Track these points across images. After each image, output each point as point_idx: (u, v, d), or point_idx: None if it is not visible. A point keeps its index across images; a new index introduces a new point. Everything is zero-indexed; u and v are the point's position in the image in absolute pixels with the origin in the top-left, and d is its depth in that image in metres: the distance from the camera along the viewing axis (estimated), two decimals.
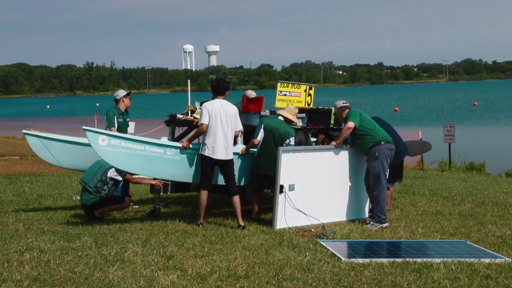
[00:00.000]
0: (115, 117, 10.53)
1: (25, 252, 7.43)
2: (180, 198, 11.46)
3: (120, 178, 9.54)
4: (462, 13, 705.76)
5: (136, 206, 10.82)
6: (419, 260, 7.01)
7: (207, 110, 8.99)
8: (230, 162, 9.04)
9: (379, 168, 9.22)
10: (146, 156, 8.82)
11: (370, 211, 9.60)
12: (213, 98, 10.67)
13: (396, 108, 61.40)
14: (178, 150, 9.04)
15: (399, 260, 7.03)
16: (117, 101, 10.87)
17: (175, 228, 8.90)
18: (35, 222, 9.39)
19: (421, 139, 19.85)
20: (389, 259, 7.05)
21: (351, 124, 9.33)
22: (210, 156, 8.90)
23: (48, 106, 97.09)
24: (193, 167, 9.12)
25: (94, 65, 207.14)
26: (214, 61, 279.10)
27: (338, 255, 7.22)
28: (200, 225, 9.03)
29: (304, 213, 9.13)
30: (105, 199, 9.48)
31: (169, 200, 11.08)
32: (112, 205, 9.61)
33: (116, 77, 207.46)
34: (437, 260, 7.00)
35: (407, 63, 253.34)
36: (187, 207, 10.88)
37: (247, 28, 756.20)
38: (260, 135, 9.25)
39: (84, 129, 8.60)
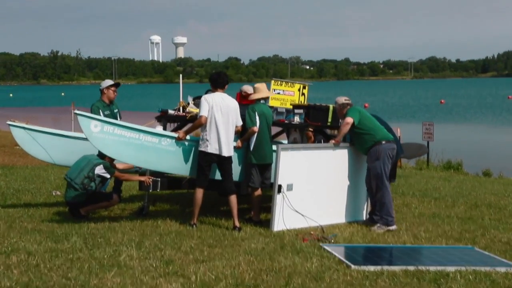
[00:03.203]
0: (100, 110, 9.89)
1: (11, 254, 6.89)
2: (167, 196, 10.99)
3: (108, 176, 9.03)
4: (427, 12, 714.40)
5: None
6: (432, 268, 6.67)
7: (207, 102, 8.54)
8: (229, 159, 8.61)
9: (380, 169, 8.90)
10: (140, 145, 8.35)
11: (370, 213, 9.27)
12: (206, 92, 10.22)
13: (366, 104, 61.40)
14: (174, 141, 8.57)
15: (411, 268, 6.68)
16: (101, 92, 10.25)
17: (168, 229, 8.44)
18: (17, 220, 8.84)
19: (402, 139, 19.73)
20: (401, 266, 6.70)
21: (349, 119, 8.99)
22: (210, 151, 8.46)
23: (11, 95, 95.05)
24: (189, 160, 8.68)
25: (59, 53, 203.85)
26: (181, 53, 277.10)
27: (347, 261, 6.85)
28: (194, 226, 8.59)
29: (302, 215, 8.76)
30: (92, 196, 8.97)
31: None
32: (99, 203, 9.11)
33: (81, 67, 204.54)
34: (451, 268, 6.68)
35: (373, 59, 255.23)
36: (175, 205, 10.43)
37: (215, 20, 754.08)
38: (258, 123, 8.84)
39: (76, 113, 8.14)
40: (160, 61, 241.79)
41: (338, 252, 7.29)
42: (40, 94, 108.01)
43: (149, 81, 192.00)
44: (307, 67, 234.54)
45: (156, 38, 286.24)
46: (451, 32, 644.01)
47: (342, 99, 9.34)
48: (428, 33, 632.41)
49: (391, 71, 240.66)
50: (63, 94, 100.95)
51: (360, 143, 9.11)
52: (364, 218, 9.48)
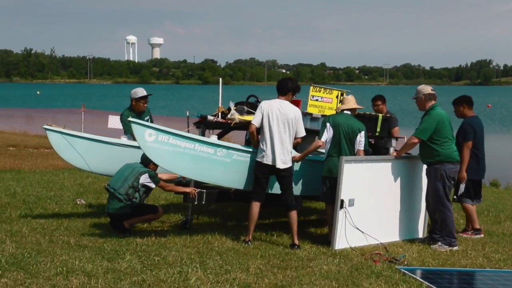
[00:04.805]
0: None
1: (69, 275, 6.18)
2: (203, 208, 10.31)
3: (153, 185, 8.34)
4: (402, 19, 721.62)
5: None
6: None
7: (261, 110, 7.94)
8: (287, 171, 7.97)
9: (442, 191, 8.33)
10: (195, 156, 7.68)
11: (431, 232, 8.71)
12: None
13: (489, 105, 60.59)
14: (230, 151, 7.93)
15: None
16: (130, 100, 9.63)
17: (222, 246, 7.78)
18: (55, 233, 8.11)
19: None
20: None
21: (415, 140, 8.38)
22: (265, 162, 7.84)
23: None
24: (245, 172, 8.03)
25: (33, 51, 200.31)
26: (157, 54, 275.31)
27: None
28: (249, 243, 7.94)
29: (363, 232, 8.18)
30: (137, 209, 8.26)
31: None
32: (145, 216, 8.40)
33: (55, 65, 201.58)
34: None
35: (349, 65, 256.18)
36: (213, 217, 9.75)
37: (191, 22, 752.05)
38: (325, 135, 8.20)
39: (130, 121, 7.47)
40: (136, 61, 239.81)
41: (421, 276, 6.71)
42: (14, 92, 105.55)
43: (125, 81, 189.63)
44: (284, 70, 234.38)
45: (132, 38, 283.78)
46: (425, 40, 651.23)
47: (428, 89, 8.59)
48: (403, 41, 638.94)
49: (366, 77, 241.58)
50: (38, 92, 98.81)
51: (422, 152, 8.52)
52: (421, 236, 8.94)
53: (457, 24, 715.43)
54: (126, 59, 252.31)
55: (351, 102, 8.52)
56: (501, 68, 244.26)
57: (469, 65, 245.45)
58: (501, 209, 12.21)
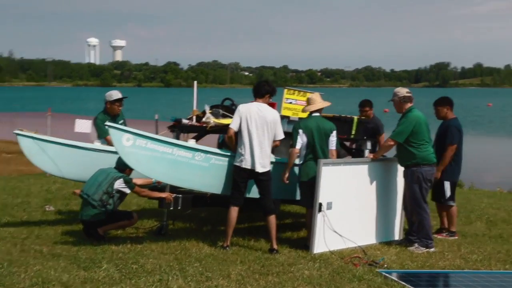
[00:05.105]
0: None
1: (45, 286, 5.98)
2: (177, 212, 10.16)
3: (128, 191, 8.14)
4: (363, 22, 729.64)
5: None
6: None
7: (239, 114, 7.81)
8: (266, 175, 7.86)
9: (419, 193, 8.34)
10: (173, 161, 7.52)
11: (408, 234, 8.70)
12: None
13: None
14: (208, 155, 7.78)
15: None
16: (105, 103, 9.48)
17: (200, 252, 7.63)
18: (26, 242, 7.86)
19: None
20: None
21: (391, 142, 8.40)
22: (244, 166, 7.73)
23: None
24: (223, 177, 7.89)
25: None
26: (119, 56, 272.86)
27: None
28: (227, 248, 7.81)
29: (341, 235, 8.12)
30: (111, 215, 8.06)
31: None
32: (120, 222, 8.21)
33: (14, 68, 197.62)
34: None
35: (311, 67, 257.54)
36: (188, 222, 9.58)
37: (154, 24, 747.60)
38: (299, 142, 8.06)
39: (107, 125, 7.29)
40: (97, 64, 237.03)
41: (402, 279, 6.69)
42: None
43: (85, 84, 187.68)
44: (246, 73, 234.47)
45: (93, 41, 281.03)
46: (386, 43, 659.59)
47: (403, 91, 8.59)
48: (364, 43, 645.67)
49: (328, 79, 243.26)
50: None
51: (400, 154, 8.54)
52: (397, 238, 8.93)
53: (417, 27, 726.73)
54: (87, 61, 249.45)
55: (317, 101, 8.40)
56: (459, 70, 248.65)
57: (428, 67, 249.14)
58: (470, 209, 12.30)
